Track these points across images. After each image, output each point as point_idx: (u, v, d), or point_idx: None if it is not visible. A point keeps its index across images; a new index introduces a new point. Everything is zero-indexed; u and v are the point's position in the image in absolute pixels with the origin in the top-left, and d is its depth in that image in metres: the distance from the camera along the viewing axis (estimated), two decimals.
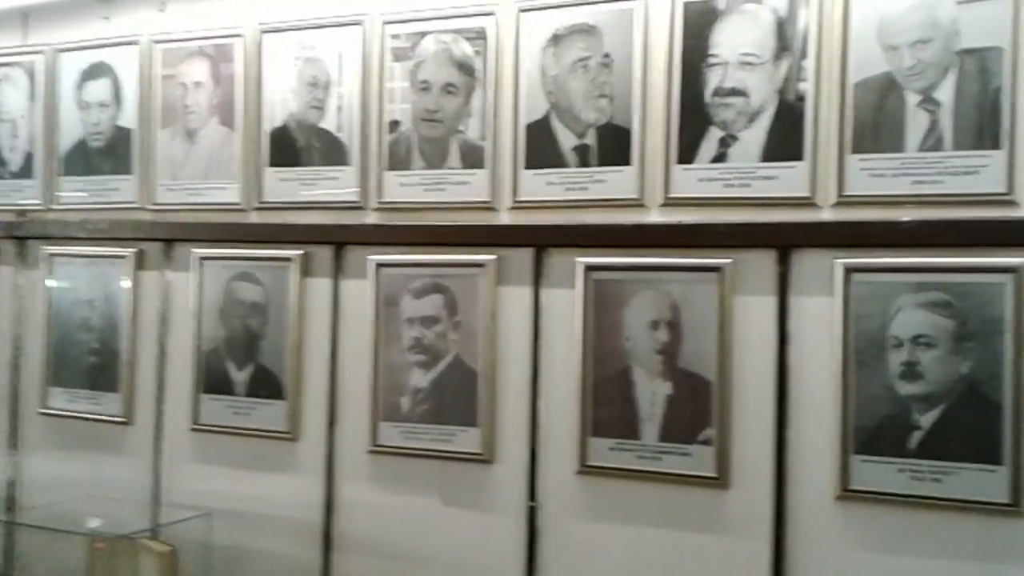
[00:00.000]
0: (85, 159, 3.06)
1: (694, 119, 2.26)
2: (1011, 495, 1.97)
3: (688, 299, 2.26)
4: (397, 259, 2.58)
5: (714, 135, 2.24)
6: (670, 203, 2.28)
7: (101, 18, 3.03)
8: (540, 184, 2.42)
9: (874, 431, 2.08)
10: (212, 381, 2.83)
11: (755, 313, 2.20)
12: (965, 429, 2.01)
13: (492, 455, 2.46)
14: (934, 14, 2.06)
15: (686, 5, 2.26)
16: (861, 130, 2.12)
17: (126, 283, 2.96)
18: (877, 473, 2.08)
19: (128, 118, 2.98)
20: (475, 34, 2.50)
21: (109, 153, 3.01)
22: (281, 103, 2.74)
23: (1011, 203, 2.01)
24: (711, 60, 2.24)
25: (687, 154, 2.27)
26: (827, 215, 2.15)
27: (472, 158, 2.50)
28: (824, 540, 2.14)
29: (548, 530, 2.41)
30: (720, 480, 2.22)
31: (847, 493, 2.10)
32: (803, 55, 2.17)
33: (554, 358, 2.40)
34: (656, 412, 2.28)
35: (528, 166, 2.43)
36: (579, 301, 2.35)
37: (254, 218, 2.79)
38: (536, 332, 2.43)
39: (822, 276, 2.14)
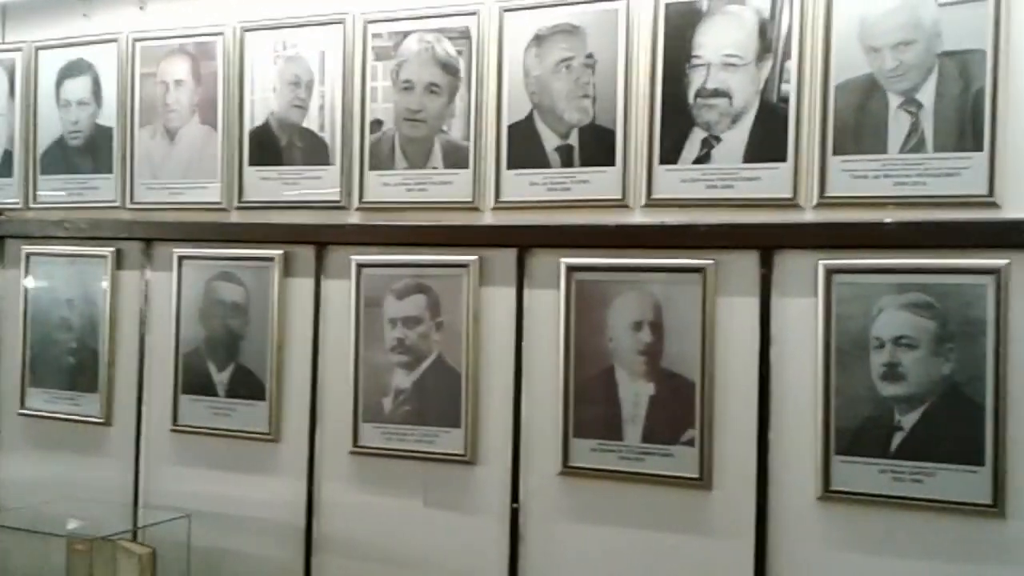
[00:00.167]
0: (64, 157, 3.03)
1: (677, 120, 2.26)
2: (992, 496, 1.98)
3: (671, 300, 2.26)
4: (379, 259, 2.57)
5: (697, 136, 2.24)
6: (653, 204, 2.28)
7: (81, 15, 3.00)
8: (523, 184, 2.41)
9: (856, 432, 2.09)
10: (192, 382, 2.81)
11: (738, 314, 2.21)
12: (947, 430, 2.02)
13: (475, 456, 2.46)
14: (916, 16, 2.07)
15: (669, 6, 2.26)
16: (843, 131, 2.12)
17: (105, 283, 2.93)
18: (859, 474, 2.08)
19: (108, 116, 2.95)
20: (458, 34, 2.49)
21: (88, 151, 2.99)
22: (262, 102, 2.72)
23: (992, 205, 2.01)
24: (694, 61, 2.24)
25: (670, 155, 2.27)
26: (809, 216, 2.16)
27: (455, 158, 2.49)
28: (806, 541, 2.15)
29: (531, 531, 2.40)
30: (703, 481, 2.22)
31: (829, 494, 2.11)
32: (786, 56, 2.17)
33: (537, 359, 2.40)
34: (639, 413, 2.28)
35: (511, 166, 2.43)
36: (562, 302, 2.35)
37: (235, 217, 2.77)
38: (519, 333, 2.42)
39: (805, 277, 2.15)
